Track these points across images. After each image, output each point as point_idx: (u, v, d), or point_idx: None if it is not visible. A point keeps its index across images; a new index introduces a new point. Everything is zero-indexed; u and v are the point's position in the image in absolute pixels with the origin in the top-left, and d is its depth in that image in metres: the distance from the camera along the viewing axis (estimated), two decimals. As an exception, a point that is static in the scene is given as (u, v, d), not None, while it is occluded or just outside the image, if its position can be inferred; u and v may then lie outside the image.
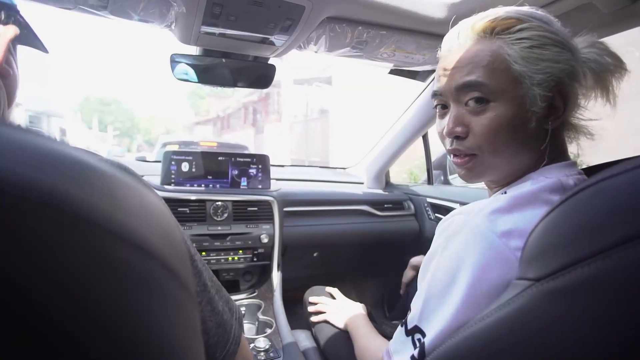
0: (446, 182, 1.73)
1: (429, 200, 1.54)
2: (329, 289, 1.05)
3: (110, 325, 0.16)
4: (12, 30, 0.32)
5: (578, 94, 0.49)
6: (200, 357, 0.23)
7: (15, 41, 0.33)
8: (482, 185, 1.52)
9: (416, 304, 0.48)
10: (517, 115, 0.47)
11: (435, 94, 0.54)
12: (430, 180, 1.69)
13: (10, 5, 0.32)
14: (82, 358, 0.14)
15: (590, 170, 0.52)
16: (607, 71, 0.48)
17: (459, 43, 0.50)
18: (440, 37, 0.98)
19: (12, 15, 0.33)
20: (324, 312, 0.94)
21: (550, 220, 0.34)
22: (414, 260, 0.99)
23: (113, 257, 0.16)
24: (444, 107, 0.54)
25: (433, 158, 1.70)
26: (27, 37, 0.36)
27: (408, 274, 0.99)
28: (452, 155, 0.53)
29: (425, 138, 1.61)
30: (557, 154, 0.50)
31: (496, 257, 0.41)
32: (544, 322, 0.31)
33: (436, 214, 1.50)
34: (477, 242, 0.43)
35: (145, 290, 0.18)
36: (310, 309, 0.98)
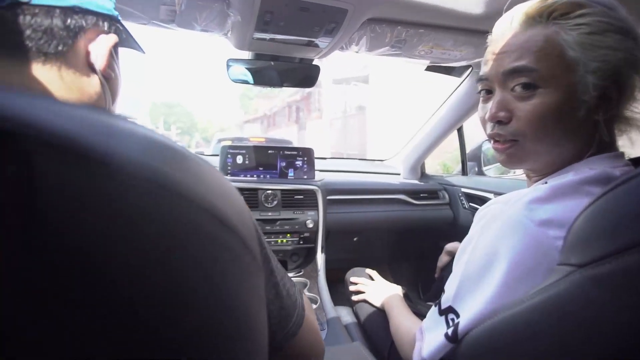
0: (480, 173, 1.66)
1: (463, 190, 1.49)
2: (368, 270, 1.05)
3: (198, 283, 0.17)
4: (113, 39, 0.35)
5: (637, 86, 0.43)
6: (264, 325, 0.24)
7: (116, 46, 0.36)
8: (517, 175, 1.44)
9: (451, 285, 0.47)
10: (566, 103, 0.42)
11: (481, 79, 0.50)
12: (464, 171, 1.63)
13: (112, 16, 0.35)
14: (174, 314, 0.15)
15: (638, 161, 0.48)
16: None
17: (512, 27, 0.45)
18: (477, 32, 0.93)
19: (113, 25, 0.35)
20: (364, 292, 0.95)
21: (596, 208, 0.31)
22: (449, 246, 0.96)
23: (205, 229, 0.18)
24: (489, 92, 0.50)
25: (467, 150, 1.63)
26: (126, 40, 0.39)
27: (443, 258, 0.97)
28: (492, 141, 0.49)
29: (460, 131, 1.56)
30: (605, 146, 0.45)
31: (534, 245, 0.39)
32: (585, 307, 0.29)
33: (470, 204, 1.44)
34: (515, 230, 0.40)
35: (228, 258, 0.19)
36: (351, 288, 0.99)
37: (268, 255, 0.29)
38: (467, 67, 1.23)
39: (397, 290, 0.89)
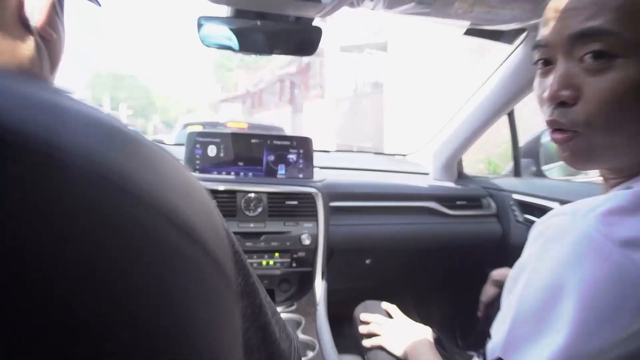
0: (539, 173, 1.66)
1: (515, 196, 1.49)
2: (385, 304, 1.05)
3: (148, 304, 0.17)
4: None
5: None
6: None
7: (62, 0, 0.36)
8: (591, 177, 1.44)
9: (500, 329, 0.46)
10: None
11: (538, 45, 0.49)
12: (517, 172, 1.62)
13: None
14: (116, 336, 0.16)
15: None
16: None
17: None
18: (536, -17, 0.93)
19: None
20: (379, 335, 0.94)
21: None
22: (497, 274, 0.96)
23: (158, 236, 0.18)
24: (548, 62, 0.49)
25: (522, 142, 1.63)
26: None
27: (489, 291, 0.97)
28: (550, 129, 0.49)
29: (511, 117, 1.55)
30: None
31: (614, 274, 0.38)
32: None
33: (525, 215, 1.44)
34: (587, 253, 0.39)
35: (187, 275, 0.19)
36: (362, 329, 0.98)
37: (254, 285, 0.29)
38: (520, 30, 1.23)
39: (424, 333, 0.89)
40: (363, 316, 1.01)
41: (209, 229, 0.22)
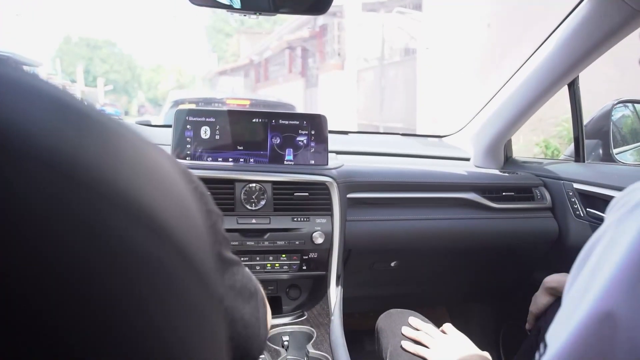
0: (607, 158, 1.63)
1: (576, 186, 1.47)
2: (412, 319, 1.05)
3: (105, 319, 0.18)
4: None
5: None
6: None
7: None
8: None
9: (558, 335, 0.46)
10: None
11: None
12: (580, 156, 1.60)
13: None
14: (83, 340, 0.17)
15: None
16: None
17: None
18: None
19: None
20: (426, 347, 0.95)
21: None
22: (551, 280, 0.96)
23: (113, 234, 0.18)
24: None
25: (586, 120, 1.60)
26: None
27: (540, 300, 0.96)
28: None
29: (573, 87, 1.53)
30: None
31: None
32: None
33: (589, 209, 1.42)
34: None
35: (156, 277, 0.20)
36: (407, 331, 1.00)
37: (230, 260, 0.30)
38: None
39: (481, 355, 0.89)
40: (412, 320, 1.02)
41: (182, 224, 0.22)
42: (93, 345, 0.17)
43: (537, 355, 0.48)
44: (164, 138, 1.37)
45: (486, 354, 0.91)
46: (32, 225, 0.16)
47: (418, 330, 1.00)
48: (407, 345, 0.97)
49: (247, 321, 0.37)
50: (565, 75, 1.41)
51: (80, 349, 0.17)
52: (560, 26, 1.34)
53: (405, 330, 1.01)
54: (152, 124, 2.79)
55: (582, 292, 0.43)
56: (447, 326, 1.02)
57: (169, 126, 1.37)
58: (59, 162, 0.17)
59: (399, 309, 1.09)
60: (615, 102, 1.58)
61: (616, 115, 1.63)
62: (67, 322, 0.17)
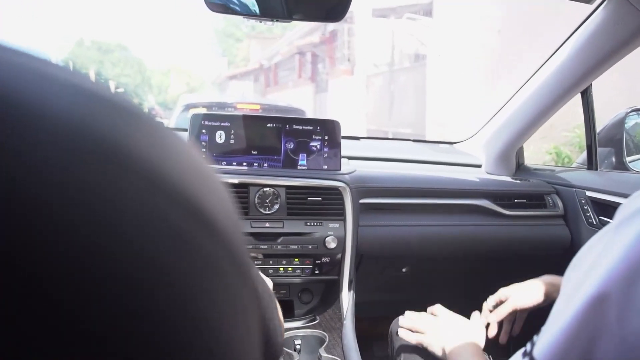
0: (620, 166, 1.62)
1: (589, 194, 1.47)
2: (432, 308, 1.07)
3: (163, 310, 0.19)
4: None
5: None
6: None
7: None
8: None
9: (555, 322, 0.48)
10: None
11: None
12: (593, 163, 1.60)
13: None
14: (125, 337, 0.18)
15: None
16: None
17: None
18: None
19: None
20: (421, 332, 0.98)
21: None
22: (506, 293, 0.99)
23: (169, 222, 0.19)
24: None
25: (599, 127, 1.60)
26: None
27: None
28: None
29: (586, 95, 1.53)
30: None
31: None
32: None
33: (601, 217, 1.42)
34: None
35: (209, 278, 0.21)
36: (403, 321, 1.02)
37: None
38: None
39: (474, 334, 0.92)
40: (407, 314, 1.04)
41: (228, 221, 0.23)
42: (148, 340, 0.18)
43: (529, 345, 0.51)
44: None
45: (478, 333, 0.93)
46: (97, 216, 0.17)
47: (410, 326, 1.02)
48: (402, 332, 1.00)
49: (270, 315, 0.37)
50: (578, 83, 1.41)
51: (138, 344, 0.18)
52: (574, 34, 1.35)
53: (401, 320, 1.03)
54: (165, 127, 2.80)
55: (579, 283, 0.46)
56: (437, 307, 1.04)
57: (182, 129, 1.39)
58: (115, 154, 0.18)
59: (414, 312, 1.10)
60: (629, 110, 1.57)
61: (629, 123, 1.62)
62: (130, 322, 0.18)
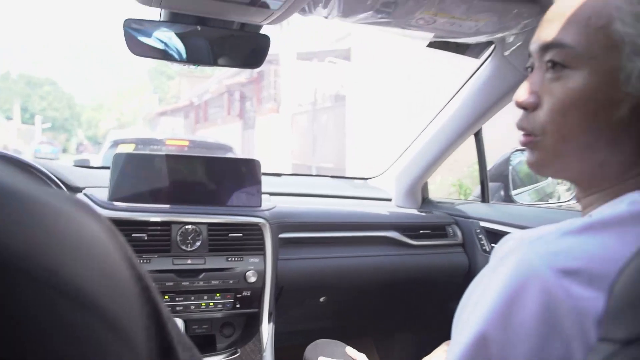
0: (508, 198, 1.72)
1: (482, 224, 1.54)
2: (349, 349, 1.05)
3: None
4: None
5: None
6: None
7: None
8: (566, 203, 1.50)
9: (451, 352, 0.49)
10: (601, 93, 0.47)
11: (528, 54, 0.56)
12: (485, 197, 1.68)
13: None
14: None
15: None
16: None
17: None
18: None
19: None
20: None
21: None
22: None
23: (36, 309, 0.18)
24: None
25: (490, 165, 1.69)
26: None
27: None
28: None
29: (478, 137, 1.61)
30: None
31: (547, 302, 0.42)
32: None
33: (493, 245, 1.49)
34: (526, 278, 0.43)
35: (82, 352, 0.19)
36: None
37: (163, 323, 0.29)
38: (488, 44, 1.30)
39: None
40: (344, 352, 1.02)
41: (108, 287, 0.22)
42: None
43: None
44: (103, 179, 1.32)
45: None
46: None
47: None
48: None
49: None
50: (471, 126, 1.49)
51: None
52: (467, 83, 1.43)
53: None
54: (91, 164, 2.68)
55: (463, 326, 0.47)
56: (360, 358, 1.03)
57: (108, 167, 1.33)
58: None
59: (326, 340, 1.09)
60: (514, 150, 1.68)
61: (514, 161, 1.73)
62: None
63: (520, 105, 0.54)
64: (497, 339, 0.43)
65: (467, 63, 1.40)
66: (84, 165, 2.23)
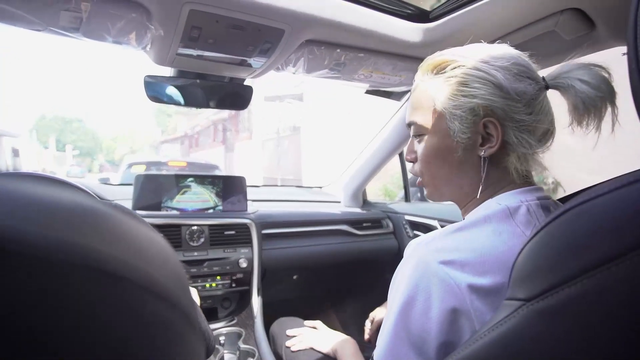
0: (423, 199, 1.77)
1: (407, 217, 1.57)
2: (308, 322, 1.02)
3: None
4: None
5: (521, 124, 0.50)
6: None
7: None
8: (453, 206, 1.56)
9: (380, 339, 0.49)
10: (443, 145, 0.53)
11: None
12: (407, 198, 1.73)
13: None
14: None
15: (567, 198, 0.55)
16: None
17: (416, 82, 0.58)
18: (415, 59, 1.03)
19: None
20: (307, 342, 0.91)
21: (537, 242, 0.36)
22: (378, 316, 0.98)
23: (142, 310, 0.16)
24: None
25: (409, 175, 1.74)
26: None
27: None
28: None
29: (401, 156, 1.65)
30: (506, 182, 0.52)
31: (439, 284, 0.44)
32: (536, 341, 0.32)
33: (415, 231, 1.53)
34: (422, 272, 0.45)
35: (171, 342, 0.18)
36: (290, 341, 0.95)
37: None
38: (406, 92, 1.34)
39: (350, 339, 0.88)
40: (290, 332, 0.98)
41: (181, 289, 0.21)
42: None
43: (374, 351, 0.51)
44: (123, 194, 1.27)
45: (349, 338, 0.89)
46: (77, 320, 0.14)
47: (295, 336, 0.97)
48: (290, 343, 0.94)
49: (208, 330, 0.33)
50: (395, 149, 1.51)
51: None
52: (392, 118, 1.46)
53: (290, 332, 0.98)
54: (112, 182, 2.54)
55: (392, 301, 0.49)
56: (317, 323, 1.01)
57: (127, 184, 1.27)
58: (90, 261, 0.15)
59: (286, 317, 1.07)
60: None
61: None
62: None
63: (407, 161, 0.61)
64: (413, 323, 0.45)
65: (390, 105, 1.44)
66: (106, 182, 2.12)
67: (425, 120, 0.54)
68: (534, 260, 0.35)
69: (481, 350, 0.37)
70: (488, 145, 0.51)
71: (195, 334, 0.23)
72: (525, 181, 0.53)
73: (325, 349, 0.87)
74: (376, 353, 0.48)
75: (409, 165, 0.62)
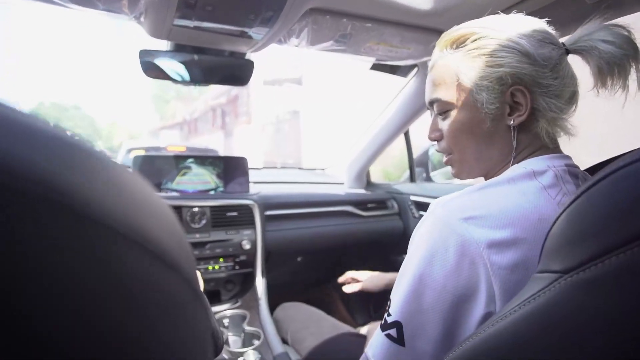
0: (428, 179, 1.75)
1: (412, 198, 1.55)
2: (355, 273, 1.08)
3: (132, 339, 0.14)
4: None
5: (549, 89, 0.50)
6: None
7: None
8: (464, 183, 1.54)
9: (396, 292, 0.49)
10: (471, 118, 0.53)
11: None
12: (412, 178, 1.70)
13: None
14: None
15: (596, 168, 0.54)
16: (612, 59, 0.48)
17: (433, 59, 0.57)
18: (426, 29, 0.98)
19: None
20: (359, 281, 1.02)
21: (575, 209, 0.32)
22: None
23: (136, 269, 0.14)
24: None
25: (415, 155, 1.71)
26: None
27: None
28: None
29: (407, 135, 1.62)
30: (535, 148, 0.52)
31: (455, 240, 0.43)
32: (577, 315, 0.30)
33: (420, 212, 1.51)
34: (440, 227, 0.45)
35: (168, 310, 0.15)
36: (347, 287, 1.05)
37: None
38: (412, 66, 1.29)
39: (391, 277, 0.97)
40: (342, 279, 1.09)
41: (183, 253, 0.18)
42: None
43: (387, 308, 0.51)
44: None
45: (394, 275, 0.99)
46: (53, 263, 0.12)
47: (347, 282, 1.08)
48: (347, 288, 1.05)
49: (214, 322, 0.32)
50: (401, 128, 1.48)
51: None
52: (397, 96, 1.42)
53: (341, 279, 1.09)
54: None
55: (406, 265, 0.49)
56: (362, 272, 1.08)
57: (127, 167, 1.23)
58: (73, 203, 0.12)
59: (290, 302, 1.09)
60: (431, 145, 1.70)
61: (431, 151, 1.75)
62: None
63: (431, 140, 0.59)
64: (429, 275, 0.45)
65: (390, 85, 1.40)
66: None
67: (450, 95, 0.54)
68: (572, 229, 0.32)
69: (510, 327, 0.34)
70: (517, 113, 0.51)
71: (202, 311, 0.20)
72: (556, 146, 0.53)
73: (381, 283, 0.98)
74: (392, 309, 0.48)
75: (433, 145, 0.60)
